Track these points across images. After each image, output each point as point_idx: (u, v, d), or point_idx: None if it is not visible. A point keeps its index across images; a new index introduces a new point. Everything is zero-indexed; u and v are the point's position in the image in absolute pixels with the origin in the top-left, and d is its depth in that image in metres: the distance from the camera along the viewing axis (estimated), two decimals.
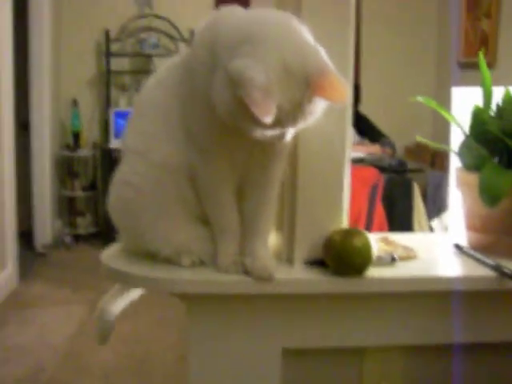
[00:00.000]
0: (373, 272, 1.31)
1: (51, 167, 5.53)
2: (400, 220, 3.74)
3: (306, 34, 1.13)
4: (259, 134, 1.11)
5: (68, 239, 5.63)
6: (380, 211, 3.69)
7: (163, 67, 1.39)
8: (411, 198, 3.79)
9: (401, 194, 3.79)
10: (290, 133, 1.14)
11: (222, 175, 1.26)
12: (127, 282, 1.34)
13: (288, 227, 1.37)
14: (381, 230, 3.61)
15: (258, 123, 1.04)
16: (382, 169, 4.00)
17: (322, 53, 1.11)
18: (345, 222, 1.38)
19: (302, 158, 1.33)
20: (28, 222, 5.32)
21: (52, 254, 5.35)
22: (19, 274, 4.50)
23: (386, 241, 1.53)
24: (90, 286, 4.35)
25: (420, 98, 1.55)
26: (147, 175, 1.28)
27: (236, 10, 1.22)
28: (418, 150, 5.61)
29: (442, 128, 4.59)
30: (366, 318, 1.37)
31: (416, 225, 3.74)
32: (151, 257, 1.33)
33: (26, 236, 5.29)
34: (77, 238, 5.73)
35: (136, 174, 1.29)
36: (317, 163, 1.33)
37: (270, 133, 1.11)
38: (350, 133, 1.38)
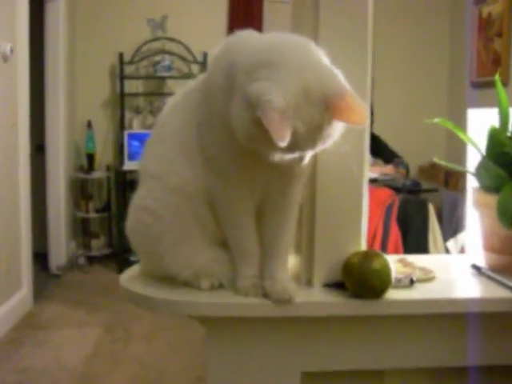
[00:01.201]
0: (392, 294, 1.31)
1: (66, 189, 5.56)
2: (415, 240, 3.71)
3: (324, 57, 1.14)
4: (278, 157, 1.11)
5: (82, 261, 5.65)
6: (395, 231, 3.67)
7: (180, 92, 1.39)
8: (426, 219, 3.76)
9: (416, 215, 3.76)
10: (308, 156, 1.14)
11: (242, 199, 1.26)
12: (147, 305, 1.34)
13: (307, 250, 1.37)
14: (396, 250, 3.59)
15: (276, 147, 1.04)
16: (396, 189, 3.98)
17: (340, 76, 1.12)
18: (363, 244, 1.38)
19: (320, 181, 1.33)
20: (43, 243, 5.35)
21: (66, 275, 5.36)
22: (34, 296, 4.51)
23: (403, 262, 1.52)
24: (104, 308, 4.36)
25: (437, 120, 1.55)
26: (166, 200, 1.29)
27: (252, 35, 1.22)
28: (431, 170, 5.59)
29: (455, 147, 4.57)
30: (385, 340, 1.37)
31: (432, 245, 3.70)
32: (170, 280, 1.34)
33: (40, 257, 5.31)
34: (91, 260, 5.74)
35: (154, 200, 1.30)
36: (335, 186, 1.34)
37: (289, 156, 1.11)
38: (368, 155, 1.38)
